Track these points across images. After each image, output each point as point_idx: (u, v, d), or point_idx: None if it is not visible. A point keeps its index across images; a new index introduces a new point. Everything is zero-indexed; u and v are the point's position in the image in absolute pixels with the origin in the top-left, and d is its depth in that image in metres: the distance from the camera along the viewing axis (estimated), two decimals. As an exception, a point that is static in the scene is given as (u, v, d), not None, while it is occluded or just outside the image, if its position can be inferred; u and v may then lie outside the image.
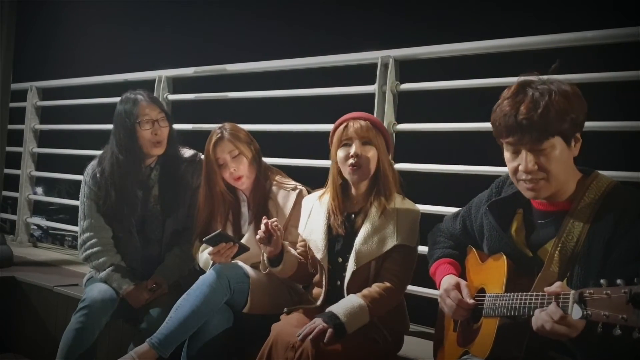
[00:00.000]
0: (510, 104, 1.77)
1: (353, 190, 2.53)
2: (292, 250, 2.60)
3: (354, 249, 2.45)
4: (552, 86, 1.77)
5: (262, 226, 2.47)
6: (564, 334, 1.62)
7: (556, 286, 1.65)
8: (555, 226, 1.83)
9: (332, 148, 2.52)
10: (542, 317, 1.63)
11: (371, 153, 2.45)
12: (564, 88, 1.78)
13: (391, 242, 2.43)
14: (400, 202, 2.50)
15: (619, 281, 1.47)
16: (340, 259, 2.50)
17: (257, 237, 2.49)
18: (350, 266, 2.45)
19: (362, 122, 2.46)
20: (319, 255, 2.52)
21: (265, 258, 2.57)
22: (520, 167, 1.79)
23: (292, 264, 2.57)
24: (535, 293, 1.69)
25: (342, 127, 2.47)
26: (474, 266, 2.09)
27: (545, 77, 1.82)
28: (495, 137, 1.87)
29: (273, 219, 2.49)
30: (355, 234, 2.47)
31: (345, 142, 2.46)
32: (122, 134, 2.97)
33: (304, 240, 2.62)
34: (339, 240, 2.51)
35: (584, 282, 1.71)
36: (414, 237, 2.47)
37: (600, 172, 1.89)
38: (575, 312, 1.53)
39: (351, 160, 2.44)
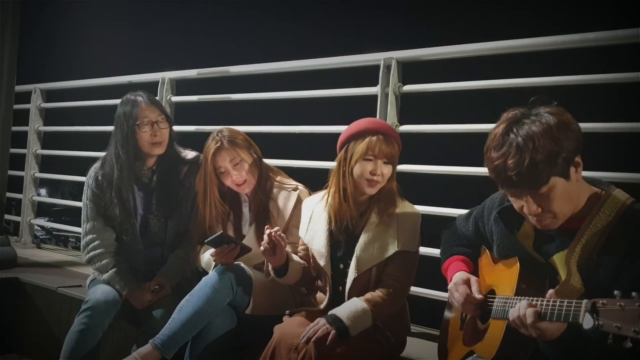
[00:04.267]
0: (497, 156, 1.72)
1: (357, 197, 2.50)
2: (296, 257, 2.59)
3: (354, 255, 2.44)
4: (534, 127, 1.69)
5: (265, 237, 2.45)
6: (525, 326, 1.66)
7: (549, 294, 1.67)
8: (565, 239, 1.81)
9: (349, 156, 2.43)
10: (516, 308, 1.67)
11: (388, 171, 2.44)
12: (547, 124, 1.70)
13: (392, 249, 2.42)
14: (400, 205, 2.49)
15: (633, 294, 1.46)
16: (341, 265, 2.50)
17: (262, 248, 2.47)
18: (352, 273, 2.44)
19: (386, 139, 2.41)
20: (321, 262, 2.51)
21: (270, 269, 2.55)
22: (525, 210, 1.78)
23: (297, 271, 2.57)
24: (546, 299, 1.68)
25: (369, 142, 2.39)
26: (486, 266, 2.09)
27: (529, 115, 1.73)
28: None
29: (276, 228, 2.46)
30: (356, 240, 2.46)
31: (369, 158, 2.41)
32: (121, 136, 2.98)
33: (305, 244, 2.61)
34: (340, 246, 2.51)
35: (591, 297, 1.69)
36: (415, 242, 2.46)
37: (600, 173, 1.88)
38: (587, 322, 1.51)
39: (375, 178, 2.40)
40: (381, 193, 2.47)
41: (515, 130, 1.71)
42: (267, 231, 2.45)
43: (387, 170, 2.43)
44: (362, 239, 2.45)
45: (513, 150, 1.69)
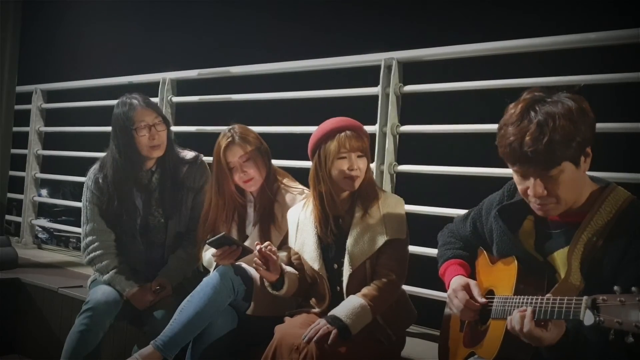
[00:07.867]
0: (515, 131, 1.72)
1: (338, 196, 2.51)
2: (290, 269, 2.59)
3: (346, 252, 2.46)
4: (555, 108, 1.71)
5: (256, 252, 2.46)
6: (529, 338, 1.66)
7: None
8: (566, 236, 1.81)
9: (323, 158, 2.46)
10: (516, 317, 1.67)
11: (363, 164, 2.47)
12: (567, 106, 1.72)
13: (382, 239, 2.44)
14: (382, 196, 2.52)
15: (633, 288, 1.46)
16: (335, 265, 2.51)
17: (254, 265, 2.49)
18: (346, 270, 2.46)
19: (355, 134, 2.45)
20: (315, 265, 2.52)
21: (267, 284, 2.56)
22: (529, 192, 1.78)
23: (294, 282, 2.57)
24: (545, 297, 1.68)
25: (340, 139, 2.43)
26: (483, 267, 2.08)
27: (549, 97, 1.75)
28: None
29: (266, 243, 2.48)
30: (346, 238, 2.48)
31: (343, 156, 2.44)
32: (120, 138, 2.98)
33: (297, 253, 2.61)
34: (331, 247, 2.52)
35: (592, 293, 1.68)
36: (403, 229, 2.48)
37: (600, 173, 1.88)
38: (587, 318, 1.51)
39: (353, 173, 2.44)
40: (362, 187, 2.49)
41: (537, 108, 1.73)
42: (258, 247, 2.46)
43: (362, 163, 2.47)
44: (351, 234, 2.46)
45: (533, 127, 1.70)
